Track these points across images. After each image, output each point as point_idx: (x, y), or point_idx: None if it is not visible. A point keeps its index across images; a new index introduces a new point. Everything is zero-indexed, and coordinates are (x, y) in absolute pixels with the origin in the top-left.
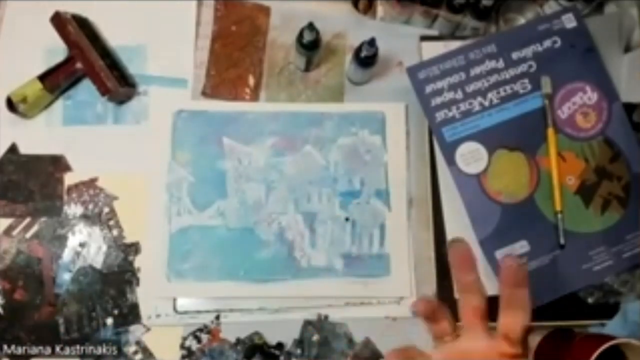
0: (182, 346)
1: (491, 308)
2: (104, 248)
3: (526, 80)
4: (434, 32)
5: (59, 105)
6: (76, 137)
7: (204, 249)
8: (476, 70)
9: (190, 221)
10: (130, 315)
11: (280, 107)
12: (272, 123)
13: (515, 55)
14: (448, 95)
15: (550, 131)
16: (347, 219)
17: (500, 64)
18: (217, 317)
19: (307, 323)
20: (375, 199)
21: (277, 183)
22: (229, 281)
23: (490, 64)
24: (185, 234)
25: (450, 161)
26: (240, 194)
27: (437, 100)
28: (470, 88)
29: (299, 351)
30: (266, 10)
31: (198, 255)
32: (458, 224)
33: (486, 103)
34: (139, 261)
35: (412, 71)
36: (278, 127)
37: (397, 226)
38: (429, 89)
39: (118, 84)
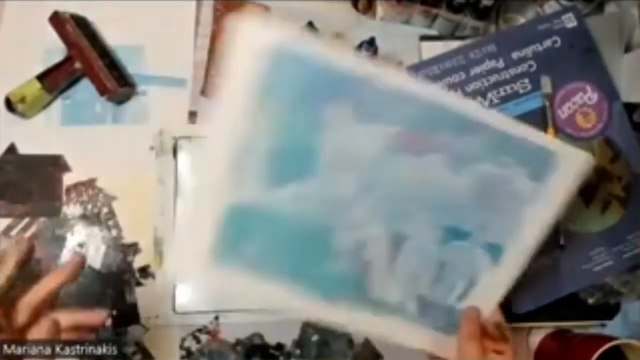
0: (182, 347)
1: None
2: (103, 248)
3: (526, 80)
4: (433, 32)
5: (58, 105)
6: (75, 137)
7: (266, 237)
8: (476, 70)
9: (254, 198)
10: (129, 315)
11: (422, 90)
12: (402, 107)
13: (515, 55)
14: None
15: (550, 131)
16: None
17: (500, 63)
18: (217, 318)
19: (307, 324)
20: (483, 251)
21: (377, 185)
22: (285, 286)
23: (490, 64)
24: (245, 212)
25: None
26: (328, 184)
27: None
28: (470, 88)
29: (298, 352)
30: (266, 11)
31: (257, 243)
32: None
33: (486, 103)
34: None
35: (412, 71)
36: (409, 115)
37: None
38: None
39: (117, 83)
